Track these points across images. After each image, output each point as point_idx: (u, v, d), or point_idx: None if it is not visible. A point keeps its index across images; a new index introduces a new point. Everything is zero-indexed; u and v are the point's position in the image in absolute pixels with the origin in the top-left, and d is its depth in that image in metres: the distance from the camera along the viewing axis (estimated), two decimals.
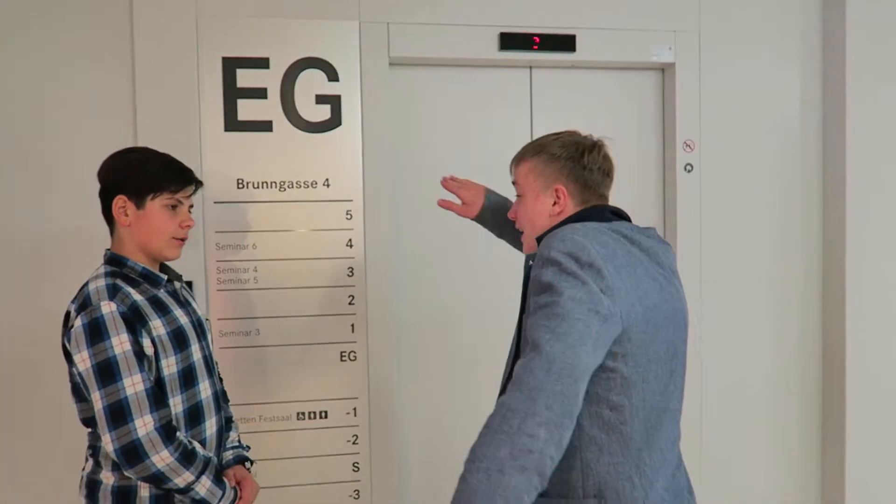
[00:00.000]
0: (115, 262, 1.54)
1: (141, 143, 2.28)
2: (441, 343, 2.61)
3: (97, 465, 1.50)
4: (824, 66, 2.71)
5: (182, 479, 1.43)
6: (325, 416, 2.44)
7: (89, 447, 1.54)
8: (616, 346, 1.18)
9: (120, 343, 1.39)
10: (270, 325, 2.41)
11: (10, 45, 2.27)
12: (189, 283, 2.31)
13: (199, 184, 1.65)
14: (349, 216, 2.44)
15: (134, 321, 1.43)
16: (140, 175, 1.55)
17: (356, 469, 2.46)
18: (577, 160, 1.40)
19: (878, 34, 2.63)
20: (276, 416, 2.42)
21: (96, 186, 1.60)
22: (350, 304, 2.44)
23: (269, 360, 2.42)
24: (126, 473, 1.41)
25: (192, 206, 1.65)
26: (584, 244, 1.20)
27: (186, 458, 1.43)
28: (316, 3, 2.40)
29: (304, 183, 2.41)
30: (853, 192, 2.64)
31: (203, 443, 1.54)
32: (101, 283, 1.46)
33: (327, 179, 2.42)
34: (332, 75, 2.41)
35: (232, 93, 2.37)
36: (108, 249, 1.59)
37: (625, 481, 1.20)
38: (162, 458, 1.39)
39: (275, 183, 2.40)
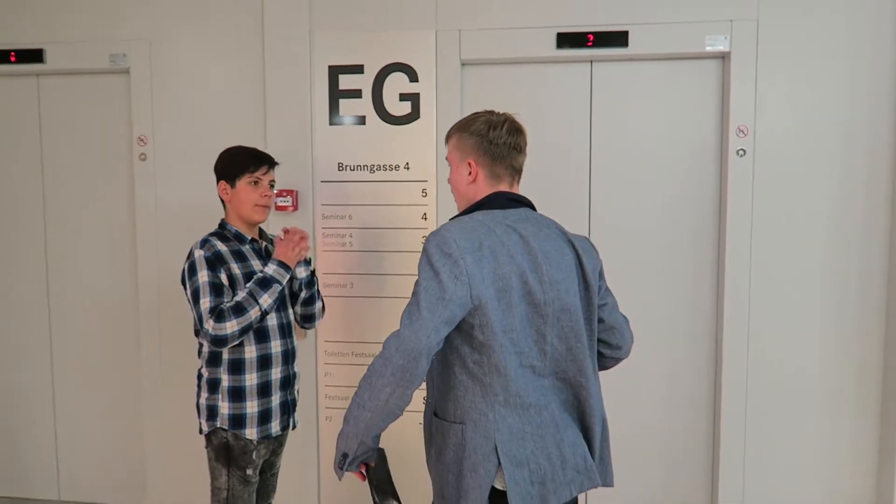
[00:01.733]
0: (221, 226, 2.23)
1: (269, 134, 2.99)
2: None
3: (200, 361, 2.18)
4: None
5: (253, 314, 2.02)
6: None
7: (199, 349, 2.20)
8: (472, 318, 1.53)
9: (203, 276, 2.06)
10: (362, 280, 3.01)
11: (176, 45, 3.08)
12: None
13: (272, 163, 2.26)
14: (424, 194, 2.94)
15: (215, 262, 2.09)
16: (230, 164, 2.20)
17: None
18: (484, 136, 1.67)
19: None
20: (365, 352, 3.03)
21: None
22: None
23: (362, 308, 3.03)
24: (222, 350, 2.07)
25: (272, 182, 2.26)
26: (448, 239, 1.53)
27: (238, 311, 2.01)
28: (400, 16, 2.90)
29: (389, 166, 2.96)
30: None
31: (268, 358, 2.16)
32: (201, 239, 2.15)
33: (407, 163, 2.95)
34: (413, 77, 2.91)
35: (335, 94, 2.97)
36: (223, 217, 2.27)
37: (480, 415, 1.56)
38: (231, 328, 1.99)
39: (366, 166, 2.97)
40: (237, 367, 2.13)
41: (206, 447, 2.19)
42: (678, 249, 2.92)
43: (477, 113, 1.76)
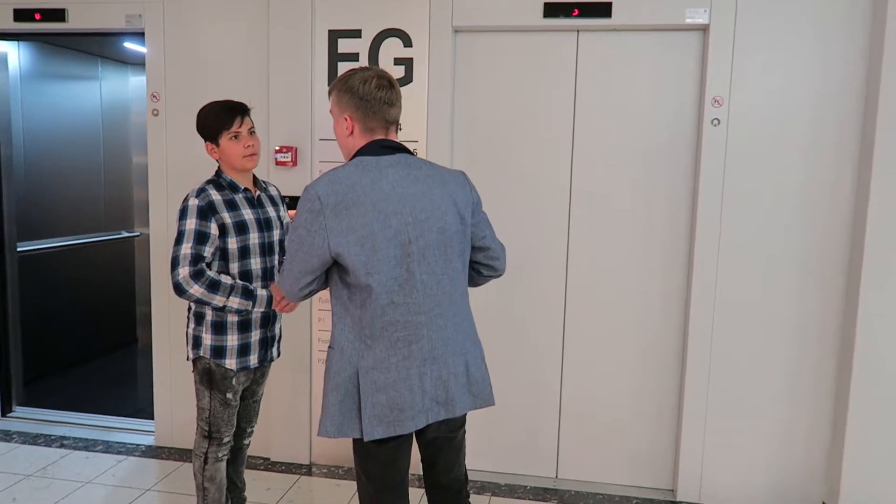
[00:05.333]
0: (216, 174, 2.41)
1: (272, 93, 3.19)
2: None
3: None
4: (873, 29, 2.77)
5: (217, 300, 2.20)
6: None
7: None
8: (340, 261, 1.71)
9: (190, 223, 2.24)
10: None
11: (188, 5, 3.28)
12: (297, 198, 3.21)
13: (245, 111, 2.38)
14: (415, 153, 3.12)
15: (207, 212, 2.26)
16: (208, 125, 2.33)
17: None
18: (356, 92, 1.80)
19: None
20: None
21: None
22: None
23: None
24: (181, 299, 2.24)
25: (252, 129, 2.40)
26: (313, 196, 1.70)
27: (212, 287, 2.18)
28: None
29: None
30: (883, 156, 2.72)
31: (248, 273, 2.34)
32: (198, 186, 2.34)
33: (399, 124, 3.11)
34: (407, 42, 3.08)
35: (334, 57, 3.15)
36: (218, 167, 2.46)
37: (349, 344, 1.77)
38: (195, 290, 2.17)
39: None
40: None
41: (192, 371, 2.42)
42: (654, 216, 3.08)
43: (353, 69, 1.87)
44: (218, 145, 2.34)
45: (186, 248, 2.21)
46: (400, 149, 1.85)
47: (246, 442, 2.63)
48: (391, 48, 3.10)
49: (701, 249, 2.97)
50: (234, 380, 2.39)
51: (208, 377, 2.37)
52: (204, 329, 2.35)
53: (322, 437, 1.79)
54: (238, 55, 3.29)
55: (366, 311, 1.74)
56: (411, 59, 3.10)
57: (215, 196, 2.31)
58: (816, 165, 2.88)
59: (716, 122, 2.90)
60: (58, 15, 3.42)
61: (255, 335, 2.39)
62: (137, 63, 5.29)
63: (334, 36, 3.14)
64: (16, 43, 4.27)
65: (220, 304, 2.24)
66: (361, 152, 1.81)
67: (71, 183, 4.91)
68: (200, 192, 2.30)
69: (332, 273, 1.79)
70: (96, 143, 5.16)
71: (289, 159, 3.17)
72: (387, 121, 1.85)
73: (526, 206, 3.18)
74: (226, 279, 2.25)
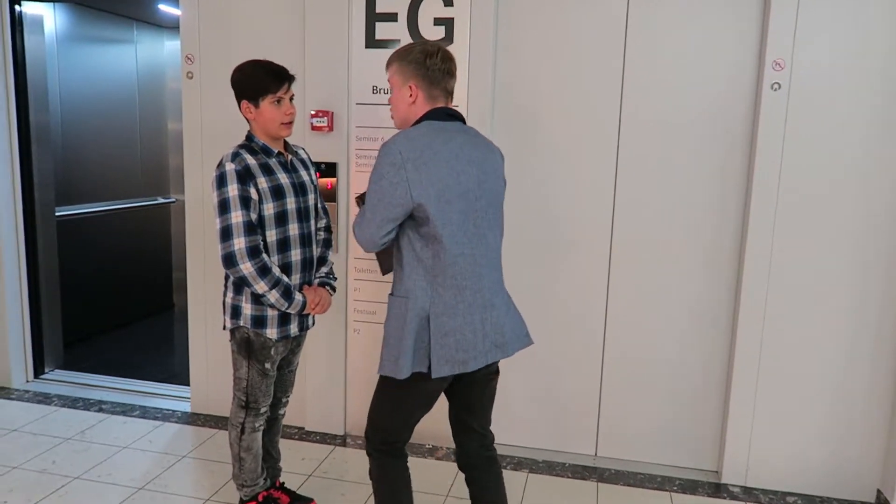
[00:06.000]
0: (248, 139, 2.33)
1: (308, 55, 3.09)
2: (527, 233, 3.11)
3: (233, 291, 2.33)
4: None
5: (259, 286, 2.16)
6: None
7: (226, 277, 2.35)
8: (418, 213, 1.85)
9: (233, 189, 2.16)
10: None
11: None
12: (333, 165, 3.13)
13: (292, 79, 2.31)
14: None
15: (245, 176, 2.18)
16: (252, 84, 2.24)
17: None
18: (421, 63, 1.95)
19: None
20: None
21: None
22: None
23: None
24: (227, 271, 2.20)
25: (292, 97, 2.32)
26: (393, 150, 1.84)
27: (262, 271, 2.15)
28: None
29: None
30: None
31: (289, 266, 2.30)
32: (232, 151, 2.25)
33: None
34: (448, 1, 2.94)
35: (372, 17, 3.03)
36: (249, 130, 2.38)
37: (421, 291, 1.91)
38: (246, 267, 2.13)
39: None
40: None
41: (230, 341, 2.37)
42: (706, 184, 2.92)
43: (413, 43, 2.05)
44: (257, 106, 2.25)
45: (237, 217, 2.15)
46: (460, 117, 2.03)
47: (281, 412, 2.60)
48: (431, 7, 2.97)
49: (756, 219, 2.80)
50: (273, 349, 2.34)
51: (247, 347, 2.32)
52: (244, 298, 2.29)
53: (390, 375, 1.92)
54: (274, 15, 3.18)
55: (438, 260, 1.89)
56: (452, 18, 2.96)
57: (250, 160, 2.23)
58: (887, 135, 2.69)
59: (776, 86, 2.72)
60: None
61: None
62: (172, 27, 5.23)
63: None
64: (51, 5, 4.23)
65: (260, 292, 2.19)
66: (428, 117, 1.96)
67: (107, 148, 4.91)
68: (235, 156, 2.22)
69: (405, 226, 1.91)
70: (132, 108, 5.14)
71: (325, 124, 3.08)
72: (447, 90, 2.00)
73: (570, 173, 3.04)
74: (275, 269, 2.21)
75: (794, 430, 2.91)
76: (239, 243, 2.14)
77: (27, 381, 3.86)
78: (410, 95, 1.97)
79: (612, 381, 3.13)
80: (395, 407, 2.04)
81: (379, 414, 2.07)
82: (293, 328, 2.36)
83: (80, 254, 4.51)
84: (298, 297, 2.29)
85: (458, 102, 2.98)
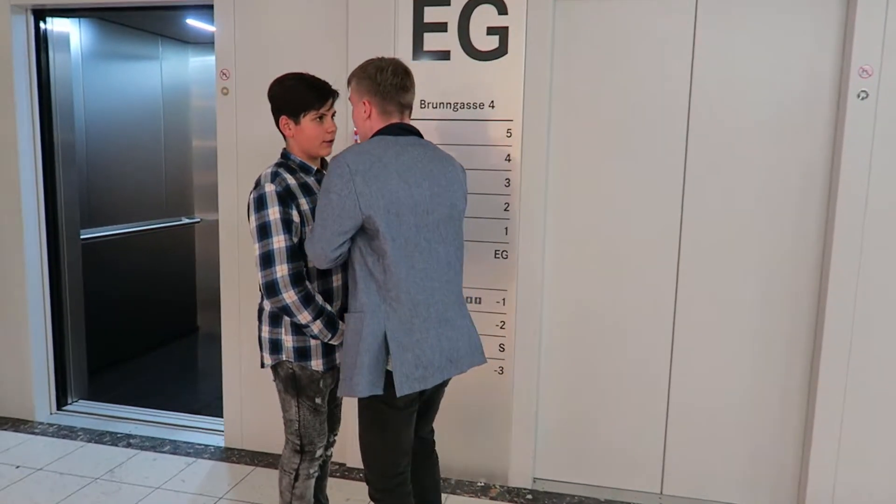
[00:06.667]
0: (283, 156, 2.15)
1: (351, 69, 2.89)
2: (587, 247, 2.91)
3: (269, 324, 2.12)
4: None
5: (302, 316, 1.97)
6: (479, 302, 2.93)
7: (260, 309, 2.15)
8: (368, 225, 1.84)
9: (273, 212, 1.97)
10: None
11: None
12: None
13: (336, 95, 2.15)
14: (509, 134, 2.81)
15: (286, 198, 2.00)
16: (294, 99, 2.06)
17: (501, 350, 2.94)
18: (373, 78, 1.95)
19: None
20: None
21: None
22: (505, 210, 2.85)
23: None
24: (266, 304, 2.02)
25: (334, 113, 2.15)
26: (342, 163, 1.83)
27: (307, 300, 1.96)
28: None
29: (473, 104, 2.83)
30: None
31: (329, 292, 2.10)
32: (269, 170, 2.06)
33: (492, 101, 2.82)
34: (502, 9, 2.76)
35: (419, 27, 2.85)
36: (284, 147, 2.19)
37: (376, 307, 1.89)
38: (289, 296, 1.94)
39: (449, 104, 2.86)
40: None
41: (274, 380, 2.17)
42: (783, 202, 2.71)
43: (370, 59, 2.03)
44: (298, 123, 2.08)
45: (279, 241, 1.96)
46: (415, 132, 2.03)
47: (329, 453, 2.39)
48: (484, 16, 2.78)
49: (841, 236, 2.59)
50: (321, 382, 2.14)
51: (293, 383, 2.12)
52: (283, 330, 2.10)
53: (352, 396, 1.89)
54: (314, 28, 3.01)
55: (389, 275, 1.87)
56: (506, 28, 2.77)
57: (290, 180, 2.05)
58: None
59: (863, 95, 2.51)
60: None
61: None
62: (198, 42, 5.10)
63: (420, 4, 2.83)
64: (77, 21, 4.09)
65: (303, 323, 2.00)
66: (382, 132, 1.96)
67: (132, 168, 4.75)
68: (274, 176, 2.03)
69: (357, 241, 1.90)
70: (157, 125, 4.99)
71: None
72: (402, 104, 2.00)
73: (633, 193, 2.83)
74: (318, 297, 2.02)
75: (885, 463, 2.67)
76: (281, 270, 1.95)
77: (51, 414, 3.67)
78: (365, 111, 1.98)
79: (679, 410, 2.90)
80: (379, 435, 2.00)
81: (369, 449, 2.03)
82: (338, 357, 2.16)
83: (103, 277, 4.33)
84: (342, 326, 2.08)
85: (511, 117, 2.80)
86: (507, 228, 2.87)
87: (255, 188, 2.04)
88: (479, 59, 2.81)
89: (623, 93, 2.80)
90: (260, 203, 1.99)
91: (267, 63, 3.03)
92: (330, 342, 2.09)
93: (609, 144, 2.83)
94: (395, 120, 1.98)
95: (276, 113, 2.12)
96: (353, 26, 2.90)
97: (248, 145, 3.13)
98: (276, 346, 2.12)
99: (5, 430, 3.44)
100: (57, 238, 3.70)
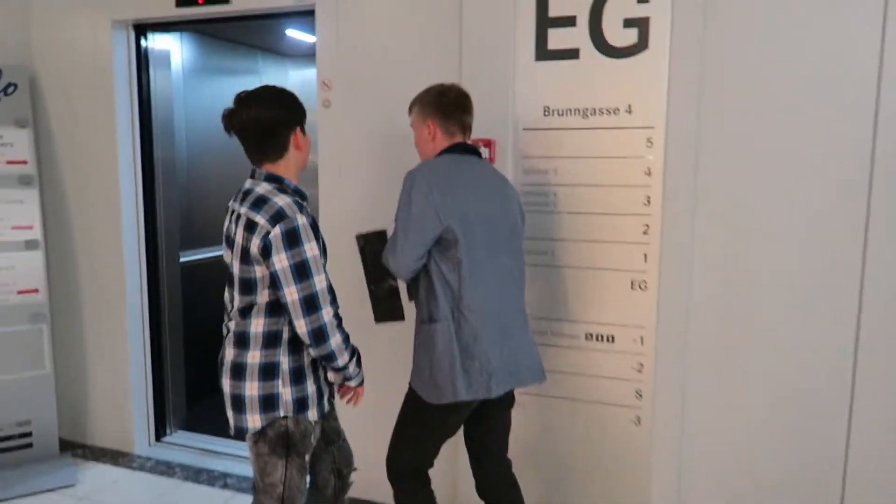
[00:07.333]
0: (274, 180, 1.88)
1: (465, 73, 2.57)
2: (742, 280, 2.42)
3: (243, 347, 1.86)
4: None
5: (343, 359, 1.85)
6: (612, 341, 2.51)
7: (237, 334, 1.89)
8: (446, 235, 1.93)
9: (311, 248, 1.76)
10: (566, 247, 2.54)
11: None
12: None
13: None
14: (649, 144, 2.39)
15: (316, 230, 1.81)
16: (300, 108, 1.94)
17: (639, 396, 2.50)
18: (437, 102, 2.09)
19: None
20: (566, 332, 2.57)
21: None
22: (644, 233, 2.43)
23: (563, 280, 2.56)
24: (312, 351, 1.81)
25: None
26: (418, 177, 1.96)
27: (347, 341, 1.87)
28: None
29: (607, 110, 2.43)
30: None
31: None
32: (288, 199, 1.79)
33: (630, 106, 2.40)
34: None
35: (543, 23, 2.48)
36: (262, 170, 1.92)
37: (449, 315, 1.96)
38: (336, 340, 1.80)
39: (579, 110, 2.47)
40: (297, 344, 1.86)
41: (256, 443, 1.88)
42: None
43: (432, 85, 2.15)
44: (305, 134, 1.98)
45: (321, 281, 1.81)
46: (477, 152, 2.15)
47: (350, 482, 2.23)
48: (620, 6, 2.37)
49: None
50: (312, 435, 1.93)
51: (285, 442, 1.87)
52: (280, 383, 1.85)
53: (434, 402, 1.96)
54: (424, 30, 2.69)
55: (464, 284, 1.96)
56: (647, 18, 2.35)
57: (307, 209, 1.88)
58: None
59: None
60: None
61: (321, 371, 1.97)
62: (297, 55, 4.95)
63: None
64: (178, 37, 3.99)
65: (341, 365, 1.84)
66: (448, 150, 2.07)
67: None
68: (299, 206, 1.81)
69: (432, 251, 1.97)
70: None
71: (486, 156, 2.54)
72: (463, 125, 2.12)
73: (803, 218, 2.33)
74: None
75: None
76: (328, 314, 1.80)
77: (149, 445, 3.53)
78: (430, 133, 2.10)
79: (859, 472, 2.35)
80: (426, 435, 2.10)
81: (409, 442, 2.11)
82: (326, 403, 1.99)
83: (199, 302, 4.20)
84: (361, 376, 2.03)
85: (653, 123, 2.37)
86: (646, 255, 2.44)
87: (278, 219, 1.75)
88: (614, 57, 2.40)
89: (788, 98, 2.30)
90: (293, 238, 1.75)
91: (373, 71, 2.74)
92: (349, 383, 1.98)
93: (773, 157, 2.34)
94: (458, 139, 2.10)
95: (291, 123, 1.94)
96: (467, 25, 2.57)
97: (351, 161, 2.85)
98: (270, 403, 1.85)
99: (104, 462, 3.32)
100: (157, 260, 3.58)
